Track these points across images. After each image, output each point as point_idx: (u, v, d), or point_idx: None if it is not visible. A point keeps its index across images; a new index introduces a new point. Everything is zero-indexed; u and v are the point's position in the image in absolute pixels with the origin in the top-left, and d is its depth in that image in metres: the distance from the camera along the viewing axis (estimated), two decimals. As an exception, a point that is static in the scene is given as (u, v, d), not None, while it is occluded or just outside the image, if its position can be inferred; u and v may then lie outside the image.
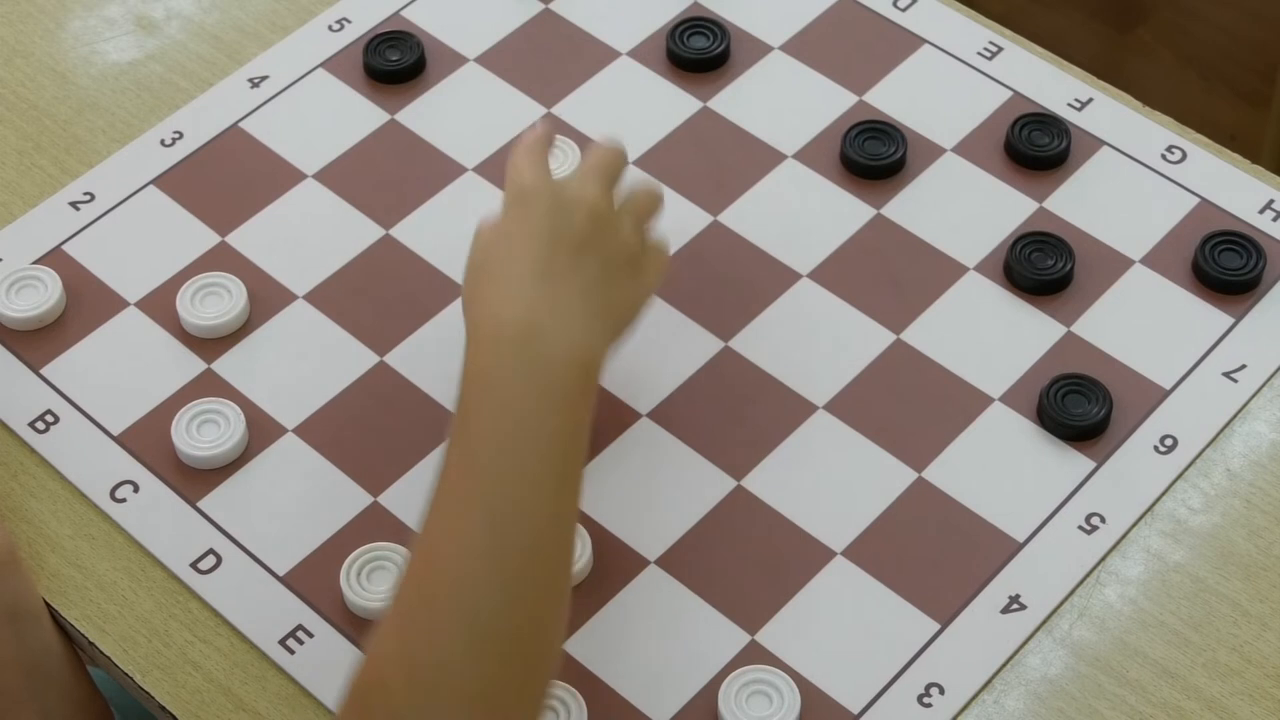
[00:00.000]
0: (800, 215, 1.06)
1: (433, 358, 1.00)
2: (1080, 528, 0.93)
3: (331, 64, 1.14)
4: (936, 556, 0.92)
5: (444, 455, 0.81)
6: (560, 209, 0.87)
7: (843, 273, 1.03)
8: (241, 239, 1.05)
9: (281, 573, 0.92)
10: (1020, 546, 0.92)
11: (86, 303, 1.02)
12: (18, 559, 0.91)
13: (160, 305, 1.02)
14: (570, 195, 0.88)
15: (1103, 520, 0.93)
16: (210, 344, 1.00)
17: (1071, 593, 0.91)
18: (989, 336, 1.00)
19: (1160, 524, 0.93)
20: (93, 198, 1.07)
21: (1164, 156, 1.08)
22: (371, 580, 0.90)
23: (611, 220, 0.89)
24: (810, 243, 1.04)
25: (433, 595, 0.76)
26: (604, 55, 1.14)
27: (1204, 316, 1.01)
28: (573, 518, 0.82)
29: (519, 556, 0.77)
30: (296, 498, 0.95)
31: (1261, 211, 1.05)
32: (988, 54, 1.13)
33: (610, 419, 0.97)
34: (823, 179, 1.07)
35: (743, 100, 1.11)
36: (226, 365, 1.00)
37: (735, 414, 0.97)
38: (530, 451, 0.79)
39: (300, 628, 0.90)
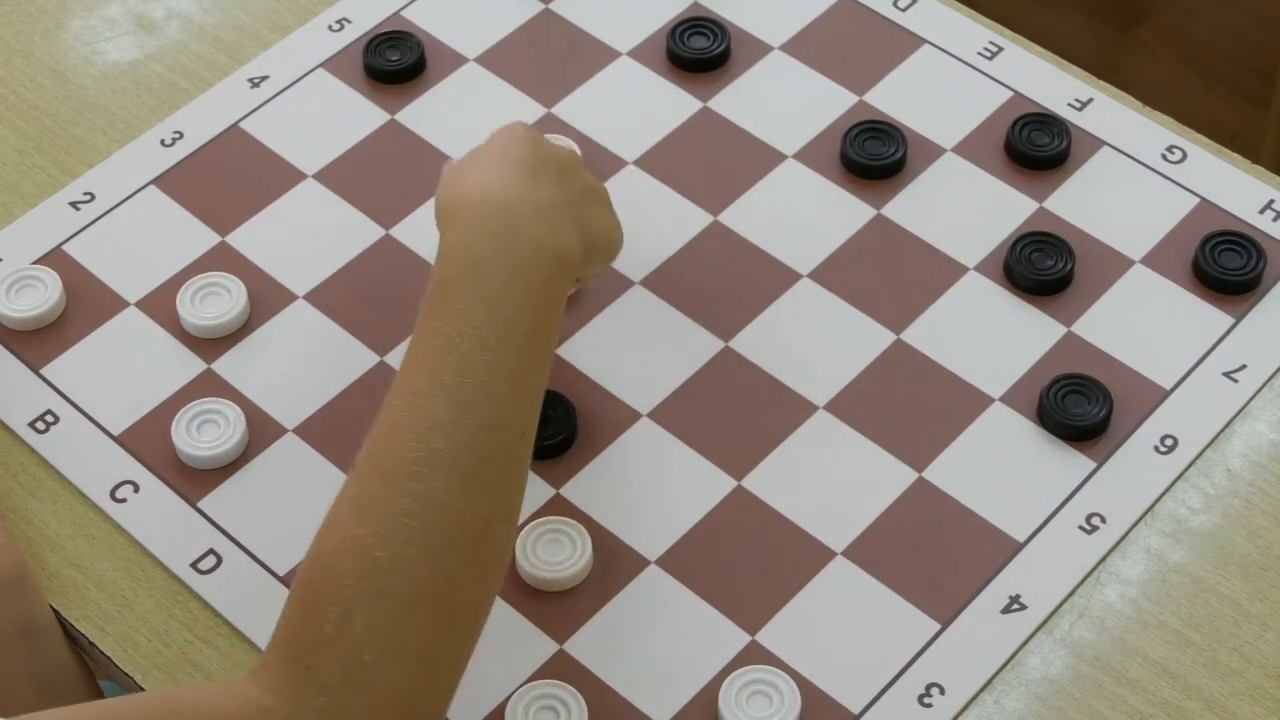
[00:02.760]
0: (800, 215, 1.06)
1: (433, 358, 1.00)
2: (1080, 528, 0.93)
3: (331, 64, 1.14)
4: (936, 556, 0.92)
5: (417, 325, 0.82)
6: (542, 142, 0.92)
7: (843, 273, 1.03)
8: (241, 239, 1.05)
9: (281, 572, 0.92)
10: (1020, 546, 0.92)
11: (86, 303, 1.02)
12: (29, 574, 0.91)
13: (160, 305, 1.02)
14: (553, 143, 0.94)
15: (1103, 520, 0.93)
16: (210, 344, 1.00)
17: (1071, 593, 0.91)
18: (989, 336, 1.00)
19: (1160, 524, 0.93)
20: (93, 198, 1.07)
21: (1164, 156, 1.08)
22: (371, 580, 0.90)
23: (585, 169, 0.94)
24: (810, 243, 1.04)
25: (390, 471, 0.77)
26: (604, 55, 1.14)
27: (1204, 316, 1.01)
28: (535, 408, 0.83)
29: (479, 437, 0.78)
30: (296, 498, 0.95)
31: (1261, 211, 1.05)
32: (988, 54, 1.13)
33: (610, 419, 0.97)
34: (823, 179, 1.07)
35: (743, 100, 1.11)
36: (226, 365, 1.00)
37: (735, 414, 0.97)
38: (501, 335, 0.81)
39: (300, 628, 0.90)
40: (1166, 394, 0.98)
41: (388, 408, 0.80)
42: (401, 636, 0.74)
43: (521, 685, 0.87)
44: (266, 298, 1.02)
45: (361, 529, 0.75)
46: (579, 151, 0.97)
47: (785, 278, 1.03)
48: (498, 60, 1.14)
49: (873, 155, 1.07)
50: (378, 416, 0.80)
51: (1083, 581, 0.91)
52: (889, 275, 1.03)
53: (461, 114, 1.11)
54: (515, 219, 0.84)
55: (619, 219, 0.95)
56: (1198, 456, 0.96)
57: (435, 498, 0.76)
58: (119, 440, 0.97)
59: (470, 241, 0.84)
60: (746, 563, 0.92)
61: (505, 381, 0.80)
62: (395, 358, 1.00)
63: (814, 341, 1.00)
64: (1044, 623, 0.90)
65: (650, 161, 1.08)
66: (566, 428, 0.95)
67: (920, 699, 0.87)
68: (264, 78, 1.13)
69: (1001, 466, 0.95)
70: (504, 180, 0.87)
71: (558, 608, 0.90)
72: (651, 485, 0.95)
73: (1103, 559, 0.92)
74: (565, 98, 1.11)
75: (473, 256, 0.83)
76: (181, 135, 1.10)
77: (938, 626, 0.90)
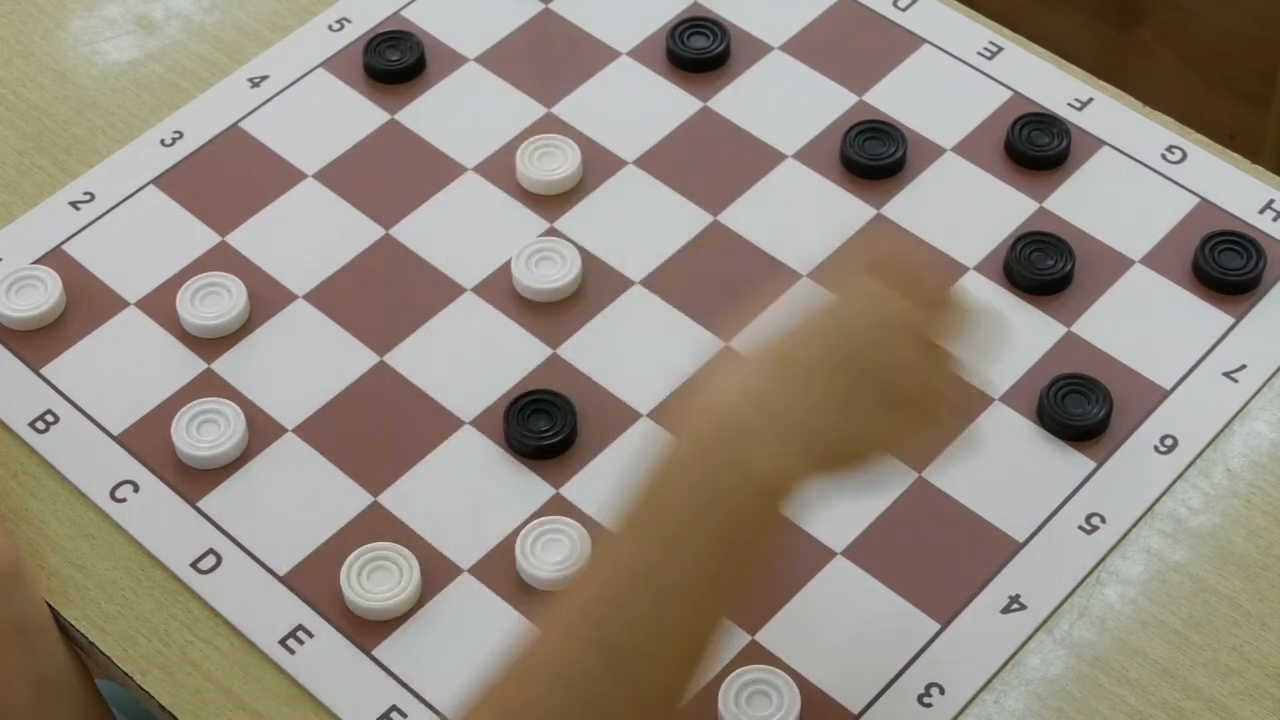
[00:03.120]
0: (800, 215, 1.06)
1: (433, 358, 1.00)
2: (1080, 528, 0.93)
3: (331, 64, 1.14)
4: (936, 556, 0.92)
5: (608, 535, 0.72)
6: (877, 342, 0.74)
7: (843, 273, 1.03)
8: (241, 239, 1.05)
9: (281, 573, 0.92)
10: (1020, 546, 0.92)
11: (86, 303, 1.02)
12: (24, 572, 0.91)
13: (160, 305, 1.02)
14: (882, 296, 0.74)
15: (1103, 520, 0.93)
16: (210, 344, 1.00)
17: (1071, 593, 0.91)
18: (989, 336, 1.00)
19: (1160, 524, 0.93)
20: (93, 198, 1.07)
21: (1164, 156, 1.08)
22: (371, 580, 0.90)
23: (906, 347, 0.74)
24: (810, 243, 1.04)
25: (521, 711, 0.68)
26: (604, 55, 1.14)
27: (1204, 316, 1.01)
28: (693, 671, 0.71)
29: (622, 693, 0.69)
30: (296, 498, 0.95)
31: (1261, 211, 1.05)
32: (988, 54, 1.13)
33: (610, 419, 0.97)
34: (823, 179, 1.07)
35: (743, 100, 1.11)
36: (226, 365, 1.00)
37: (735, 414, 0.97)
38: (676, 584, 0.69)
39: (300, 628, 0.90)
40: (1166, 394, 0.98)
41: (537, 635, 0.70)
42: None
43: (521, 685, 0.87)
44: (266, 298, 1.02)
45: None
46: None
47: (785, 278, 1.03)
48: (498, 60, 1.14)
49: (873, 155, 1.07)
50: (527, 633, 0.71)
51: (1083, 581, 0.91)
52: (889, 275, 1.03)
53: (461, 114, 1.11)
54: (740, 449, 0.70)
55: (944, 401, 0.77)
56: (1198, 456, 0.96)
57: None
58: (119, 440, 0.97)
59: (676, 471, 0.71)
60: (746, 563, 0.92)
61: (665, 640, 0.70)
62: (395, 358, 1.00)
63: (814, 341, 1.00)
64: (1044, 623, 0.90)
65: (650, 161, 1.08)
66: (566, 428, 0.95)
67: (920, 699, 0.87)
68: (264, 78, 1.13)
69: (1001, 466, 0.95)
70: (747, 377, 0.72)
71: (558, 608, 0.90)
72: (651, 485, 0.95)
73: (1103, 559, 0.92)
74: (565, 98, 1.11)
75: (672, 490, 0.71)
76: (181, 135, 1.10)
77: (938, 626, 0.90)
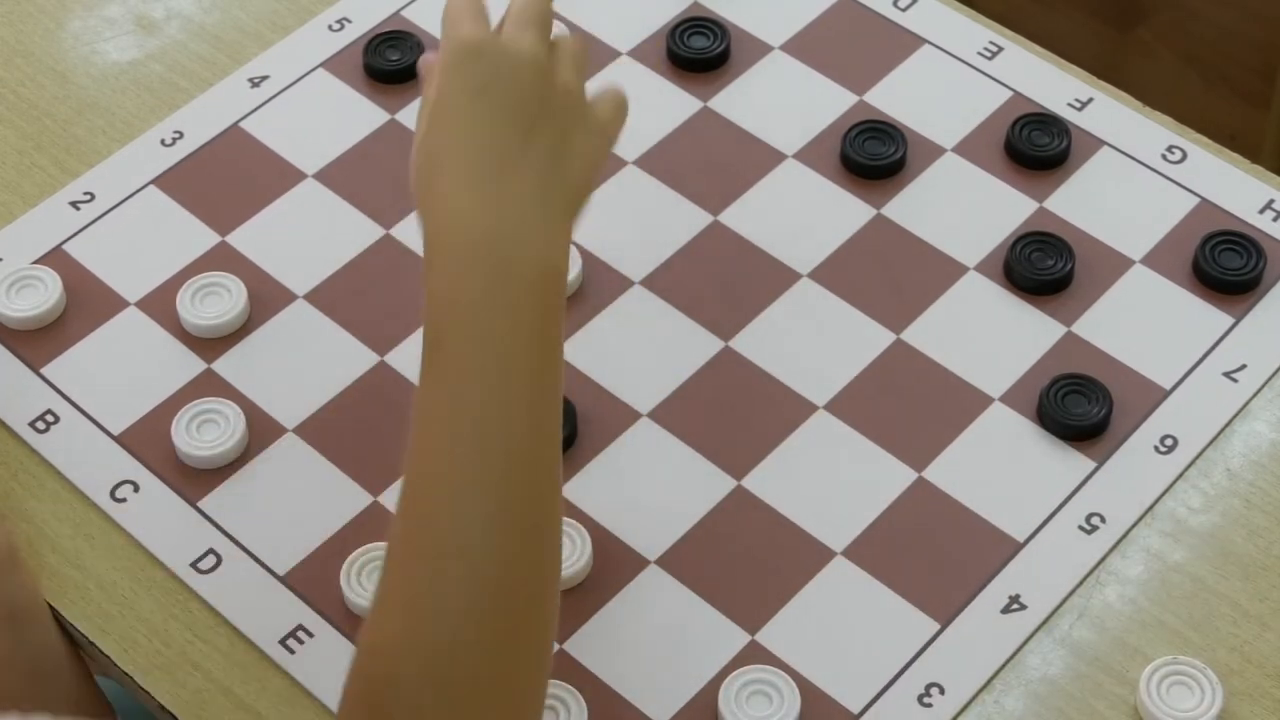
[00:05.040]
0: (800, 215, 1.06)
1: (433, 358, 1.00)
2: (1080, 528, 0.93)
3: (331, 64, 1.14)
4: (936, 556, 0.92)
5: (420, 376, 0.78)
6: (503, 74, 0.81)
7: (843, 273, 1.03)
8: (241, 239, 1.05)
9: (281, 573, 0.92)
10: (1020, 546, 0.92)
11: (86, 303, 1.02)
12: (16, 558, 0.91)
13: (160, 305, 1.02)
14: (510, 52, 0.82)
15: (1103, 520, 0.93)
16: (210, 344, 1.00)
17: (1071, 593, 0.91)
18: (989, 336, 1.00)
19: (1160, 524, 0.93)
20: (93, 198, 1.07)
21: (1164, 156, 1.08)
22: (371, 580, 0.90)
23: (551, 73, 0.83)
24: (810, 243, 1.04)
25: (431, 550, 0.73)
26: (604, 55, 1.14)
27: (1204, 316, 1.01)
28: (555, 436, 0.78)
29: (509, 488, 0.74)
30: (296, 498, 0.95)
31: (1261, 211, 1.05)
32: (988, 54, 1.13)
33: (610, 419, 0.97)
34: (823, 179, 1.07)
35: (743, 100, 1.11)
36: (226, 365, 1.00)
37: (735, 414, 0.97)
38: (505, 379, 0.76)
39: (300, 628, 0.90)
40: (1166, 394, 0.98)
41: (410, 480, 0.76)
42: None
43: (521, 685, 0.87)
44: (266, 298, 1.02)
45: (415, 628, 0.72)
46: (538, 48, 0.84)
47: (785, 278, 1.03)
48: (498, 60, 1.13)
49: (873, 155, 1.07)
50: (403, 488, 0.76)
51: (1083, 581, 0.91)
52: (889, 275, 1.03)
53: (461, 114, 1.11)
54: (493, 243, 0.78)
55: (611, 98, 0.86)
56: (1198, 456, 0.96)
57: (482, 576, 0.73)
58: (119, 440, 0.97)
59: (454, 286, 0.79)
60: (746, 563, 0.92)
61: (519, 421, 0.76)
62: (395, 358, 1.00)
63: (814, 341, 1.00)
64: (1044, 623, 0.90)
65: (650, 161, 1.08)
66: (566, 427, 0.95)
67: (920, 699, 0.87)
68: (264, 78, 1.13)
69: (1001, 466, 0.95)
70: (475, 187, 0.80)
71: (558, 608, 0.90)
72: (651, 485, 0.95)
73: (1102, 559, 0.92)
74: (565, 98, 1.11)
75: (458, 303, 0.78)
76: (181, 135, 1.10)
77: (937, 626, 0.90)
